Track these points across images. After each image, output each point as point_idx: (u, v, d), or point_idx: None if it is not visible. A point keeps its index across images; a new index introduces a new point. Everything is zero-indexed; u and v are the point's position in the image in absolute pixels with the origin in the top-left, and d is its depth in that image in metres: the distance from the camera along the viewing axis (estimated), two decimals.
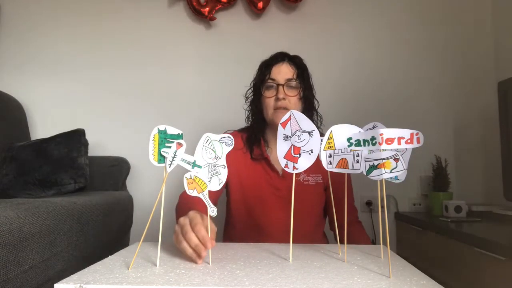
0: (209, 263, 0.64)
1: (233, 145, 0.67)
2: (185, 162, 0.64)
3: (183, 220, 0.68)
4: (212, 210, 0.66)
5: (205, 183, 0.65)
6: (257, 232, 1.02)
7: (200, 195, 0.65)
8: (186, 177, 0.64)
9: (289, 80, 1.02)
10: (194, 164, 0.64)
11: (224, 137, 0.67)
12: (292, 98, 1.02)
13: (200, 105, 1.79)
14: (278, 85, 1.02)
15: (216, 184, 0.66)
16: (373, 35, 1.79)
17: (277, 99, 1.01)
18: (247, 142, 1.09)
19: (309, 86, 1.07)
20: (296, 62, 1.06)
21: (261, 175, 1.06)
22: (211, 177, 0.66)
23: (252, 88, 1.12)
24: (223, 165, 0.67)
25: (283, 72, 1.03)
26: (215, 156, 0.66)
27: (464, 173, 1.70)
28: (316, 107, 1.10)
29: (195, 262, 0.63)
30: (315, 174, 1.07)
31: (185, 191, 1.02)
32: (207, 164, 0.66)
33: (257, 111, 1.09)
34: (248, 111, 1.14)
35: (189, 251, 0.64)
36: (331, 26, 1.81)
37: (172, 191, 1.25)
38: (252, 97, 1.12)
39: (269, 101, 1.03)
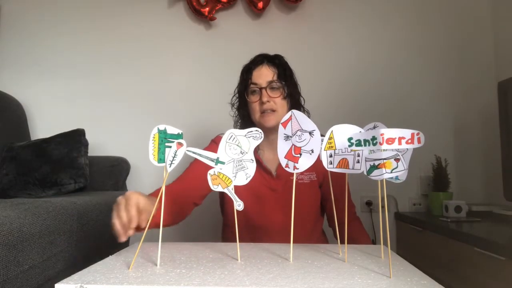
0: (237, 260, 0.66)
1: (261, 138, 0.68)
2: (208, 159, 0.65)
3: (120, 198, 0.74)
4: (239, 204, 0.67)
5: (229, 178, 0.66)
6: (255, 234, 1.02)
7: (225, 190, 0.66)
8: (209, 173, 0.66)
9: (271, 82, 1.03)
10: (217, 161, 0.65)
11: (251, 131, 0.67)
12: (276, 99, 1.02)
13: (200, 105, 1.79)
14: (260, 88, 1.02)
15: (243, 179, 0.67)
16: (373, 35, 1.79)
17: (262, 102, 1.02)
18: None
19: (292, 83, 1.07)
20: (276, 62, 1.06)
21: (256, 178, 1.04)
22: (237, 172, 0.66)
23: (237, 95, 1.12)
24: (251, 159, 0.68)
25: (264, 75, 1.03)
26: (241, 151, 0.66)
27: (464, 173, 1.70)
28: (302, 103, 1.10)
29: (118, 238, 0.69)
30: (309, 172, 1.07)
31: (167, 186, 1.01)
32: (231, 160, 0.66)
33: (244, 115, 1.09)
34: (235, 117, 1.14)
35: (117, 227, 0.70)
36: (331, 26, 1.81)
37: None
38: (238, 103, 1.12)
39: (255, 106, 1.04)
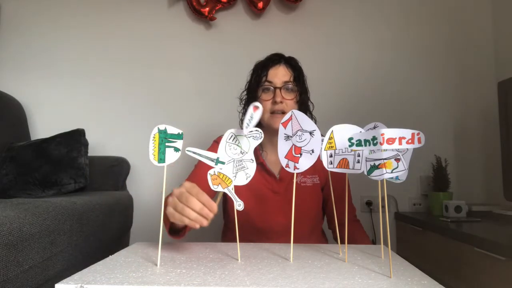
0: (238, 260, 0.66)
1: (261, 138, 0.67)
2: (208, 159, 0.65)
3: (178, 190, 0.67)
4: (239, 204, 0.66)
5: (229, 178, 0.66)
6: (256, 236, 1.01)
7: (226, 190, 0.66)
8: (210, 173, 0.65)
9: (286, 83, 1.01)
10: (217, 161, 0.65)
11: (252, 131, 0.67)
12: (289, 101, 1.01)
13: (200, 105, 1.79)
14: (275, 88, 1.01)
15: (243, 179, 0.67)
16: (373, 35, 1.79)
17: (274, 102, 1.00)
18: None
19: (304, 88, 1.06)
20: (292, 64, 1.05)
21: (258, 180, 1.04)
22: (237, 172, 0.66)
23: (247, 91, 1.10)
24: (251, 159, 0.67)
25: (280, 75, 1.02)
26: (241, 151, 0.66)
27: (464, 173, 1.70)
28: (311, 109, 1.09)
29: (201, 225, 0.64)
30: (312, 175, 1.06)
31: (170, 194, 1.00)
32: (232, 160, 0.66)
33: None
34: (242, 113, 1.12)
35: (193, 215, 0.64)
36: (331, 26, 1.81)
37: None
38: (246, 99, 1.10)
39: (266, 104, 1.01)
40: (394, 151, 0.60)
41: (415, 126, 0.58)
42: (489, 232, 1.15)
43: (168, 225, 0.77)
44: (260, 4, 1.74)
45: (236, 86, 1.18)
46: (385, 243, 0.65)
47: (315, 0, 1.81)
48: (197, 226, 0.65)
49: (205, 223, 0.65)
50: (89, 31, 1.83)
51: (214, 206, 0.65)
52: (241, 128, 0.96)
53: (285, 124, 0.68)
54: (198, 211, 0.64)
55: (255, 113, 0.65)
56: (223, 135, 0.68)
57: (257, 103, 0.66)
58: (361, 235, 1.09)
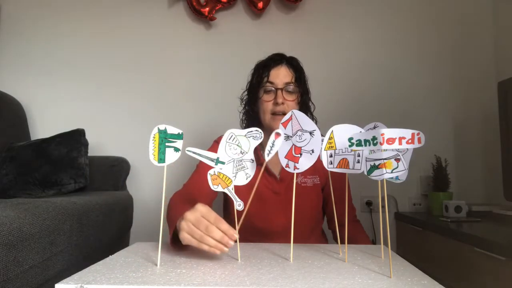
0: (238, 260, 0.66)
1: (261, 138, 0.67)
2: (208, 159, 0.65)
3: (192, 214, 0.66)
4: (239, 204, 0.66)
5: (229, 178, 0.66)
6: (257, 237, 1.01)
7: (226, 190, 0.66)
8: (210, 173, 0.65)
9: (288, 84, 1.01)
10: (217, 161, 0.65)
11: (251, 131, 0.67)
12: (290, 102, 1.01)
13: (200, 105, 1.79)
14: (276, 89, 1.01)
15: (243, 179, 0.67)
16: (373, 35, 1.79)
17: (276, 103, 1.00)
18: None
19: (306, 89, 1.06)
20: (294, 64, 1.05)
21: (259, 180, 1.04)
22: (237, 172, 0.66)
23: (248, 91, 1.10)
24: (251, 159, 0.67)
25: (282, 76, 1.02)
26: (241, 151, 0.66)
27: (464, 173, 1.70)
28: (312, 110, 1.09)
29: (221, 251, 0.64)
30: (312, 176, 1.06)
31: (174, 195, 1.00)
32: (232, 160, 0.66)
33: (253, 114, 1.07)
34: (243, 113, 1.12)
35: (213, 242, 0.63)
36: (331, 26, 1.81)
37: (174, 191, 1.25)
38: (247, 99, 1.09)
39: (267, 105, 1.01)
40: (394, 151, 0.60)
41: (415, 126, 0.58)
42: (489, 232, 1.15)
43: (171, 231, 0.75)
44: (260, 4, 1.74)
45: (237, 86, 1.18)
46: (385, 243, 0.65)
47: (315, 0, 1.81)
48: (218, 252, 0.64)
49: (225, 249, 0.64)
50: (89, 32, 1.83)
51: (235, 234, 0.64)
52: (242, 128, 0.96)
53: (285, 124, 0.68)
54: (219, 239, 0.63)
55: (276, 140, 0.65)
56: (223, 135, 0.68)
57: (279, 130, 0.67)
58: (361, 235, 1.08)
